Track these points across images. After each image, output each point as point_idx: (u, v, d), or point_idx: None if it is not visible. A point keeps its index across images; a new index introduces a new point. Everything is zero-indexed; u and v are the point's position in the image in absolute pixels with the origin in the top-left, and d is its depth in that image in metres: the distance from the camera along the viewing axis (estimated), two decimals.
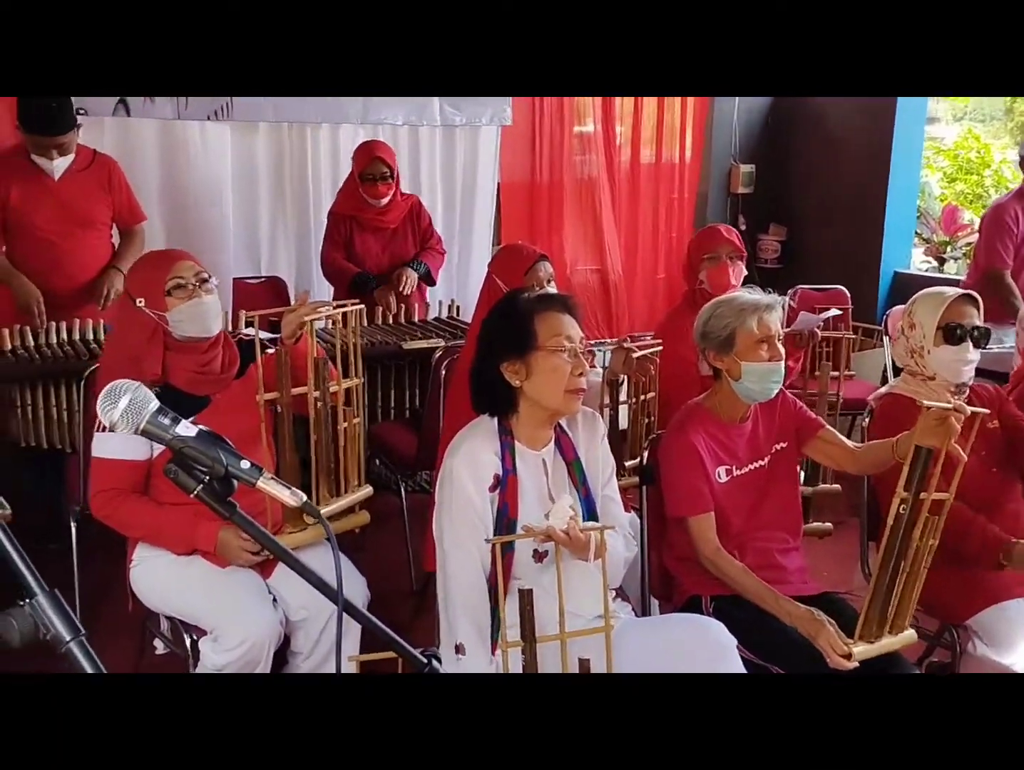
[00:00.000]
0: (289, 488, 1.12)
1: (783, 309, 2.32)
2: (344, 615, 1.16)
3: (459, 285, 5.09)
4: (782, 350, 2.24)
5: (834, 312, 3.54)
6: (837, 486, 3.00)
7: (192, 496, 1.11)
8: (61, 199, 3.40)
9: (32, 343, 3.15)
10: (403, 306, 3.91)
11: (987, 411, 2.21)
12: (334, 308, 2.37)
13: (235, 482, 1.10)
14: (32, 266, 3.36)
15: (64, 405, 3.08)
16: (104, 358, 2.35)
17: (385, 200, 3.95)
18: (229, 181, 4.50)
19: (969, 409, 2.01)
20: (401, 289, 3.92)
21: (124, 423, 1.12)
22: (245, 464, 1.10)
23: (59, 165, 3.36)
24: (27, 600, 0.95)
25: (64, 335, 3.22)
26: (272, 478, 1.11)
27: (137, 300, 2.20)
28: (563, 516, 1.81)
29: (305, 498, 1.13)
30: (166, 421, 1.11)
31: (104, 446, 2.17)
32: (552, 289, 2.70)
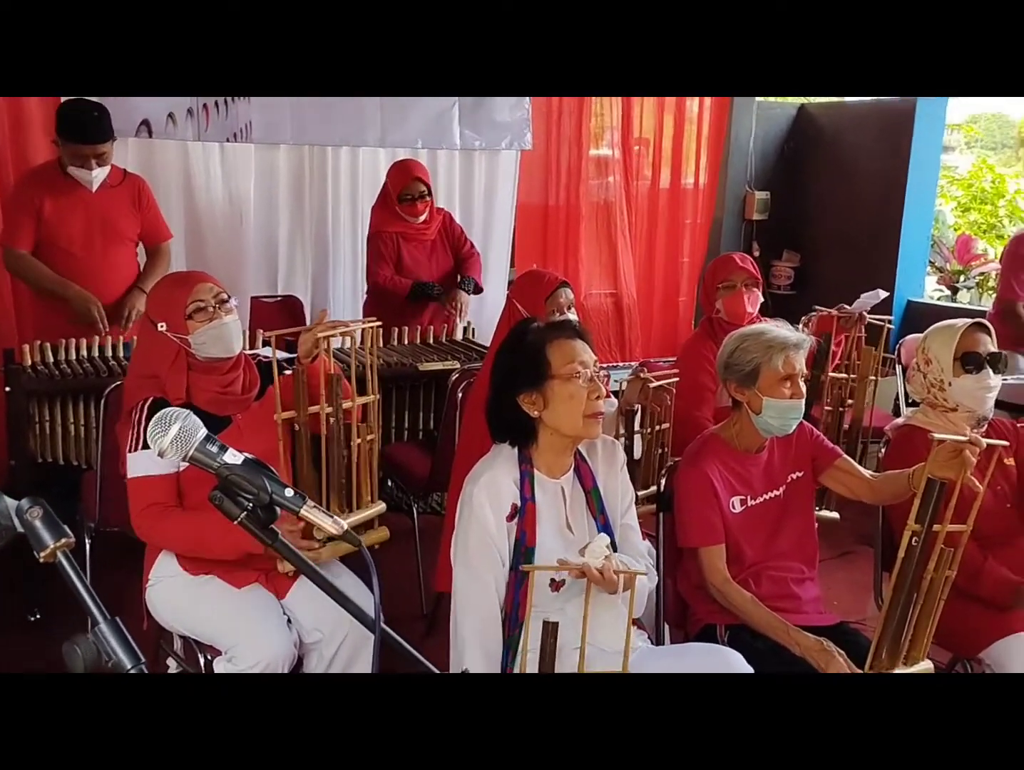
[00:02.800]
0: (331, 516, 1.14)
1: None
2: (365, 634, 1.17)
3: (474, 307, 5.09)
4: (804, 388, 2.25)
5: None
6: (835, 514, 2.99)
7: (236, 522, 1.13)
8: (94, 212, 3.45)
9: (51, 359, 3.17)
10: (445, 326, 4.01)
11: (1005, 443, 2.21)
12: (349, 326, 2.39)
13: (278, 509, 1.12)
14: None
15: (82, 421, 3.10)
16: (128, 378, 2.37)
17: (423, 216, 4.07)
18: (251, 200, 4.54)
19: (985, 442, 2.01)
20: (459, 312, 4.08)
21: (173, 450, 1.14)
22: (288, 492, 1.12)
23: (97, 176, 3.41)
24: (91, 628, 0.96)
25: (84, 352, 3.24)
26: (315, 506, 1.13)
27: (159, 324, 2.23)
28: (599, 554, 1.83)
29: (347, 526, 1.15)
30: (214, 449, 1.13)
31: (138, 465, 2.18)
32: (572, 315, 2.71)
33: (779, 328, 2.30)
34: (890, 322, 3.51)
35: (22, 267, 3.45)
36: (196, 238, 4.42)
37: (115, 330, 3.41)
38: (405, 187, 4.01)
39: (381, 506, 2.44)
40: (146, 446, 2.16)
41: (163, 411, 1.17)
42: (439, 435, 3.28)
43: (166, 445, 1.15)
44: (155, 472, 2.17)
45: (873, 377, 3.24)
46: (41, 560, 0.97)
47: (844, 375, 3.23)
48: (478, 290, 4.26)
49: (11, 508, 0.99)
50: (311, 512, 1.13)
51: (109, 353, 3.28)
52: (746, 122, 5.66)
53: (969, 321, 2.46)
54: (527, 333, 2.02)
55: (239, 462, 1.13)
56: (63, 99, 3.46)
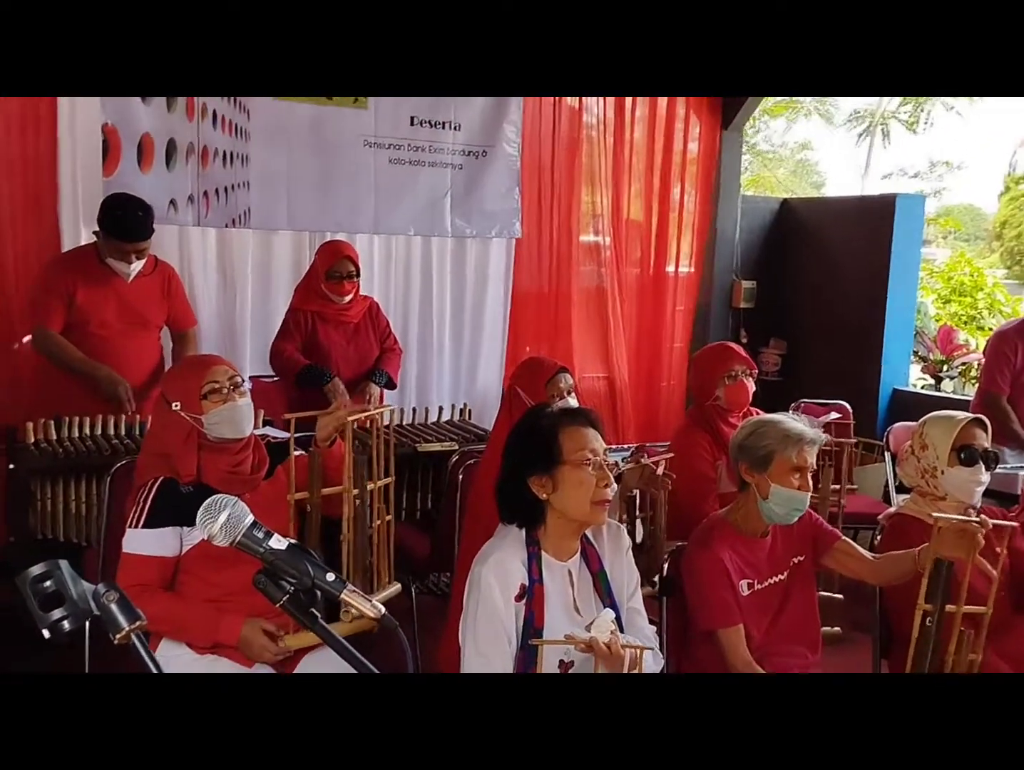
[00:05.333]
0: (370, 600, 1.16)
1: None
2: None
3: (468, 389, 5.17)
4: (811, 483, 2.30)
5: (834, 415, 3.62)
6: (840, 596, 3.01)
7: (278, 605, 1.15)
8: (126, 300, 3.55)
9: (55, 436, 3.18)
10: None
11: (1014, 524, 2.26)
12: (372, 410, 2.43)
13: (319, 594, 1.15)
14: None
15: (83, 499, 3.10)
16: (140, 456, 2.40)
17: (348, 298, 3.96)
18: (248, 282, 4.62)
19: (991, 522, 2.06)
20: (368, 403, 3.87)
21: (223, 536, 1.18)
22: (330, 577, 1.15)
23: (135, 268, 3.51)
24: None
25: (87, 430, 3.26)
26: (355, 591, 1.16)
27: (173, 404, 2.27)
28: (606, 629, 1.85)
29: (384, 611, 1.18)
30: (260, 535, 1.17)
31: (136, 542, 2.19)
32: (572, 400, 2.77)
33: (798, 420, 2.37)
34: (855, 446, 3.53)
35: (52, 346, 3.49)
36: (199, 318, 4.48)
37: (143, 411, 3.43)
38: (334, 265, 3.88)
39: (397, 586, 2.47)
40: (147, 525, 2.19)
41: (212, 498, 1.20)
42: (439, 515, 3.29)
43: (216, 530, 1.18)
44: (150, 552, 2.19)
45: (834, 499, 3.28)
46: (116, 642, 0.99)
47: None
48: (391, 385, 4.10)
49: (88, 592, 1.01)
50: (352, 596, 1.15)
51: (112, 431, 3.29)
52: (731, 213, 5.83)
53: (970, 416, 2.55)
54: (541, 418, 2.08)
55: (283, 548, 1.16)
56: (109, 194, 3.59)
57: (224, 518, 1.18)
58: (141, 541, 2.19)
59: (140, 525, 2.19)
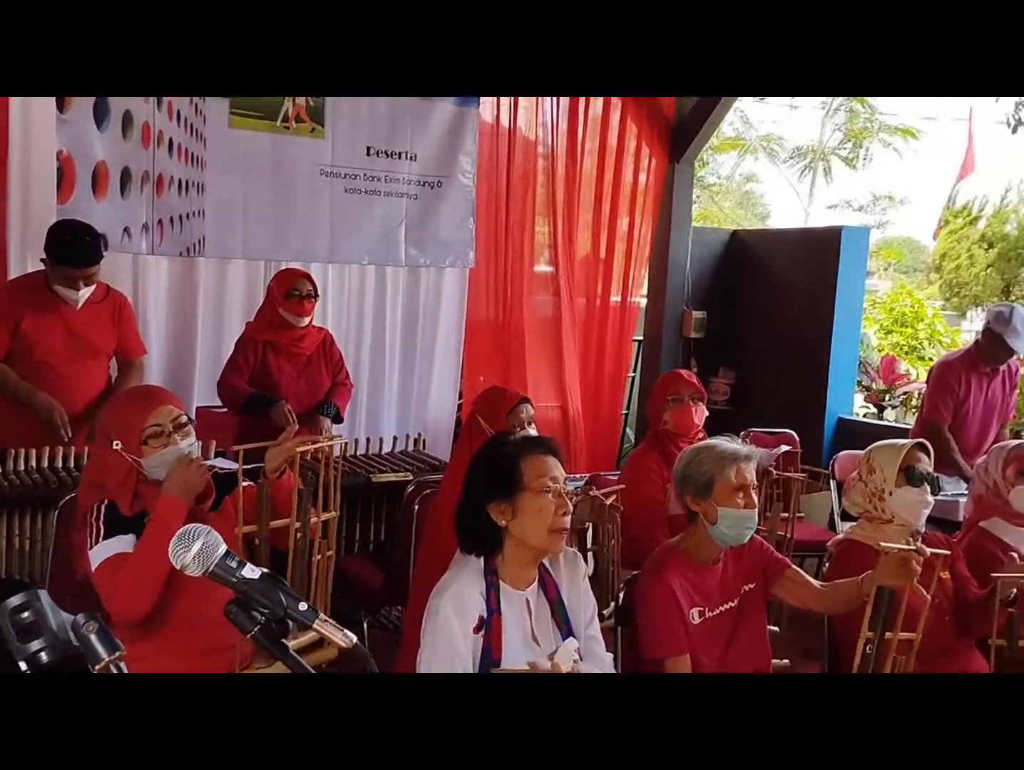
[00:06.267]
0: (342, 630, 1.17)
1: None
2: None
3: (421, 419, 5.18)
4: (756, 499, 2.36)
5: (784, 449, 3.70)
6: (775, 628, 3.06)
7: (248, 637, 1.16)
8: (74, 328, 3.47)
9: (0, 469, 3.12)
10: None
11: (948, 553, 2.34)
12: (322, 441, 2.43)
13: (290, 623, 1.15)
14: None
15: (28, 534, 3.02)
16: (82, 485, 2.36)
17: (307, 319, 3.92)
18: (200, 311, 4.58)
19: (928, 551, 2.13)
20: (320, 434, 3.85)
21: (195, 565, 1.18)
22: (303, 606, 1.16)
23: (83, 295, 3.44)
24: None
25: (33, 462, 3.20)
26: (327, 620, 1.17)
27: (114, 442, 2.22)
28: (568, 658, 1.86)
29: (356, 640, 1.19)
30: (233, 564, 1.17)
31: (102, 552, 2.16)
32: (532, 430, 2.81)
33: (730, 442, 2.43)
34: (803, 477, 3.60)
35: None
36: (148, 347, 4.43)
37: (80, 441, 3.38)
38: (293, 284, 3.86)
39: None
40: (108, 537, 2.16)
41: (185, 528, 1.21)
42: (393, 547, 3.29)
43: (188, 561, 1.18)
44: (120, 550, 2.16)
45: (781, 533, 3.35)
46: (95, 672, 0.99)
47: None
48: (338, 418, 4.06)
49: (67, 622, 1.01)
50: (323, 626, 1.16)
51: (59, 463, 3.24)
52: (682, 244, 5.93)
53: (914, 441, 2.63)
54: (503, 445, 2.11)
55: (257, 577, 1.17)
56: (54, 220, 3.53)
57: (197, 548, 1.18)
58: (108, 547, 2.16)
59: (100, 539, 2.17)
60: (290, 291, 3.86)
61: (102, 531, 2.17)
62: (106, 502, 2.21)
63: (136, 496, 2.24)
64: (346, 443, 2.56)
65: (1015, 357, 4.44)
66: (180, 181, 4.28)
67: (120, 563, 2.16)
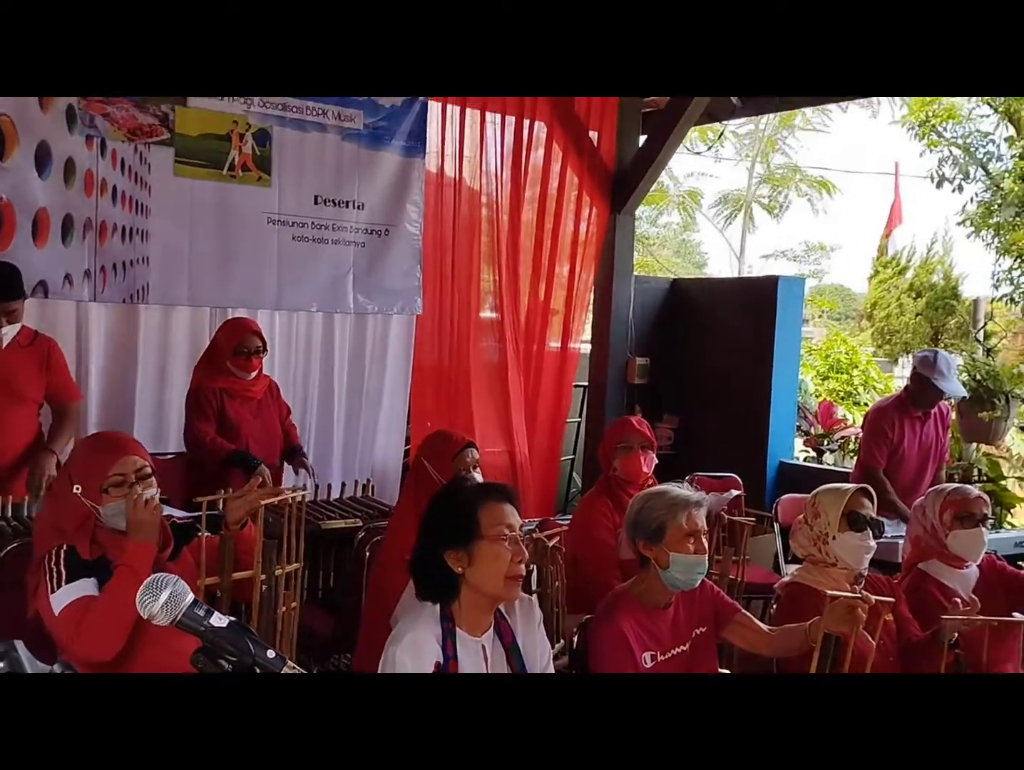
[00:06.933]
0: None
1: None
2: None
3: (367, 465, 5.16)
4: (706, 544, 2.40)
5: (735, 493, 3.76)
6: (727, 671, 3.09)
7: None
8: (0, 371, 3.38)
9: None
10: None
11: (892, 600, 2.40)
12: (286, 493, 2.43)
13: (258, 671, 1.15)
14: None
15: None
16: (39, 525, 2.32)
17: (254, 374, 3.98)
18: (139, 357, 4.53)
19: (874, 598, 2.19)
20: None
21: (163, 615, 1.17)
22: (271, 653, 1.15)
23: (7, 333, 3.37)
24: None
25: None
26: (295, 667, 1.17)
27: (75, 486, 2.20)
28: None
29: None
30: (200, 613, 1.17)
31: (65, 596, 2.12)
32: (478, 474, 2.82)
33: (681, 488, 2.47)
34: (752, 521, 3.69)
35: None
36: (85, 393, 4.36)
37: (15, 485, 3.30)
38: (241, 341, 3.91)
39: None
40: (68, 581, 2.13)
41: (152, 577, 1.20)
42: (345, 595, 3.26)
43: (156, 610, 1.18)
44: (83, 594, 2.13)
45: (734, 577, 3.41)
46: None
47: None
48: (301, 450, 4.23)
49: (43, 671, 1.00)
50: (291, 673, 1.16)
51: None
52: (625, 292, 6.03)
53: (858, 486, 2.71)
54: (460, 492, 2.12)
55: (225, 625, 1.16)
56: None
57: (165, 597, 1.18)
58: (71, 591, 2.13)
59: (63, 583, 2.13)
60: (238, 348, 3.91)
61: (63, 575, 2.13)
62: (65, 547, 2.18)
63: (95, 541, 2.21)
64: (304, 494, 2.54)
65: (945, 400, 4.60)
66: (124, 228, 4.25)
67: (87, 606, 2.13)
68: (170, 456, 4.46)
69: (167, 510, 3.00)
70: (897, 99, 11.78)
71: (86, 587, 2.14)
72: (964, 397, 4.63)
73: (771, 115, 16.44)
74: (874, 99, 14.38)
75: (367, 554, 3.08)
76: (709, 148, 14.99)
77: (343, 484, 4.13)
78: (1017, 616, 2.56)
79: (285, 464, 4.18)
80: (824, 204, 19.81)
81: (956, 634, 2.45)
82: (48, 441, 3.51)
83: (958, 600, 2.60)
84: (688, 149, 13.95)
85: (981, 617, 2.45)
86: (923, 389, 4.45)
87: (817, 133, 19.05)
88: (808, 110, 16.59)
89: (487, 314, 5.67)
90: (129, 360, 4.52)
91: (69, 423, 3.60)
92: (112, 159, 4.16)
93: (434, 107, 5.15)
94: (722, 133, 11.61)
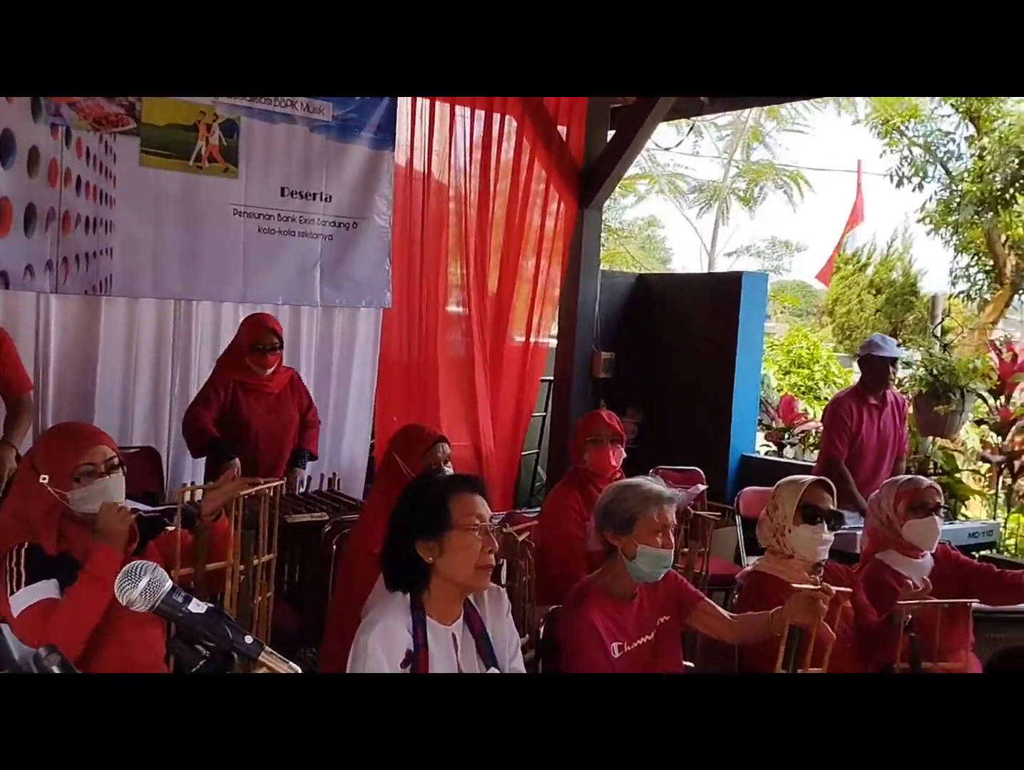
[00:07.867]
0: (287, 662, 1.19)
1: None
2: None
3: (334, 458, 5.16)
4: (673, 540, 2.44)
5: (702, 488, 3.82)
6: (690, 664, 3.15)
7: (192, 671, 1.17)
8: None
9: None
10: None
11: (849, 591, 2.46)
12: (263, 484, 2.43)
13: (235, 656, 1.17)
14: None
15: None
16: (2, 515, 2.30)
17: (271, 369, 4.03)
18: (100, 349, 4.48)
19: (834, 590, 2.25)
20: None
21: (142, 601, 1.18)
22: (248, 639, 1.17)
23: None
24: None
25: None
26: (272, 653, 1.19)
27: (41, 476, 2.19)
28: None
29: (300, 672, 1.21)
30: (179, 600, 1.18)
31: (24, 599, 2.11)
32: (449, 469, 2.85)
33: (654, 482, 2.51)
34: (717, 515, 3.75)
35: None
36: (43, 386, 4.32)
37: None
38: (258, 337, 3.97)
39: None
40: (29, 582, 2.12)
41: (132, 564, 1.21)
42: (312, 589, 3.27)
43: (135, 597, 1.19)
44: (43, 597, 2.12)
45: (698, 571, 3.44)
46: None
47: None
48: (312, 457, 4.24)
49: (29, 655, 1.01)
50: (269, 658, 1.18)
51: None
52: (591, 287, 6.08)
53: (814, 478, 2.76)
54: (431, 484, 2.14)
55: (203, 611, 1.18)
56: None
57: (144, 584, 1.19)
58: (31, 593, 2.11)
59: (22, 584, 2.12)
60: (254, 345, 3.97)
61: (23, 576, 2.12)
62: (26, 547, 2.17)
63: (61, 535, 2.20)
64: (280, 485, 2.54)
65: (900, 391, 4.71)
66: (87, 219, 4.21)
67: (47, 609, 2.12)
68: (134, 449, 4.45)
69: (131, 504, 3.00)
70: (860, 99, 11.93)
71: (47, 589, 2.13)
72: (897, 357, 4.74)
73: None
74: (842, 99, 14.53)
75: (334, 548, 3.10)
76: (678, 144, 15.04)
77: (308, 477, 4.13)
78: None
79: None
80: (797, 197, 19.96)
81: (910, 616, 2.52)
82: (4, 435, 3.47)
83: (910, 583, 2.67)
84: (657, 146, 14.00)
85: (933, 600, 2.52)
86: (869, 367, 4.61)
87: (797, 133, 19.10)
88: (785, 109, 16.72)
89: (454, 308, 5.68)
90: (91, 353, 4.47)
91: (25, 415, 3.55)
92: (77, 148, 4.12)
93: (404, 100, 5.16)
94: (692, 127, 11.67)
